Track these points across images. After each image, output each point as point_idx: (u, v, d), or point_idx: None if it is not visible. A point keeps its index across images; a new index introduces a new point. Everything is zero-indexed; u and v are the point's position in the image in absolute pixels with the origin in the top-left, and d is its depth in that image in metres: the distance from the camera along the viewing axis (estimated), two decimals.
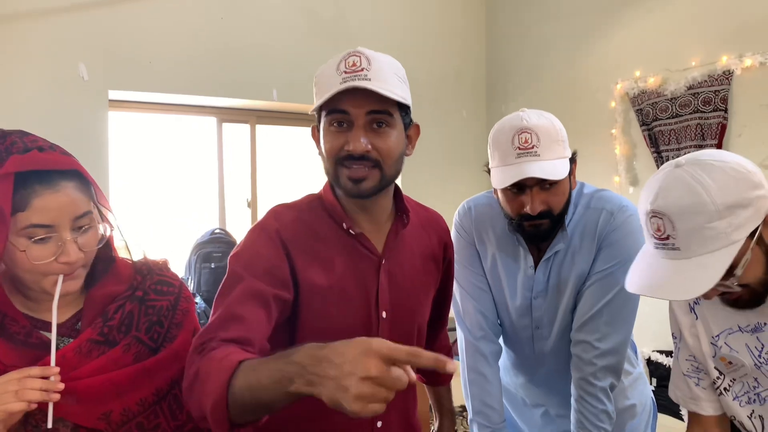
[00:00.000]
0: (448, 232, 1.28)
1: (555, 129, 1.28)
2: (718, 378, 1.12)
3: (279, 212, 1.09)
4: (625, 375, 1.44)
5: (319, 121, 1.05)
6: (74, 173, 0.90)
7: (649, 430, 1.55)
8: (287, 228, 1.06)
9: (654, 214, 0.96)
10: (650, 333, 3.08)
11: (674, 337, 1.21)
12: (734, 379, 1.09)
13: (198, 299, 2.98)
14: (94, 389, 0.89)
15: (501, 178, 1.27)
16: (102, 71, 2.97)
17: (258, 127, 3.72)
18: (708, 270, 0.91)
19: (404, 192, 1.17)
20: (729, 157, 0.96)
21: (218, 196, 3.58)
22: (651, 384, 3.15)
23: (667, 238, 0.95)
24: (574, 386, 1.38)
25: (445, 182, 3.87)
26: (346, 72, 0.97)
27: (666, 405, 3.07)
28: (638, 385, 1.52)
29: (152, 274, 1.03)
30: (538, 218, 1.28)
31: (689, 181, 0.93)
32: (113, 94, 3.05)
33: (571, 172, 1.33)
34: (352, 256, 1.08)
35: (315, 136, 1.08)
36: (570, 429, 1.40)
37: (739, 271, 0.93)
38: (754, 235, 0.92)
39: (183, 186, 3.60)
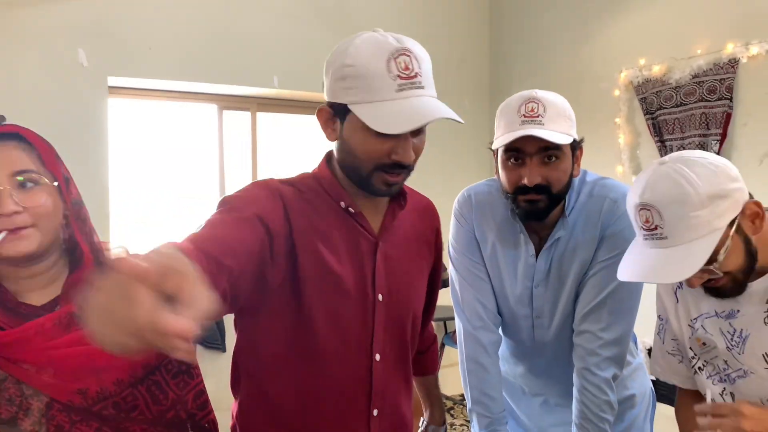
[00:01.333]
0: (438, 217, 1.27)
1: (564, 106, 1.28)
2: (693, 358, 1.22)
3: (276, 180, 1.07)
4: (626, 365, 1.43)
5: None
6: (16, 135, 0.93)
7: (649, 420, 1.55)
8: (287, 193, 1.04)
9: (643, 207, 1.06)
10: (651, 323, 3.07)
11: (660, 319, 1.31)
12: (706, 361, 1.18)
13: None
14: (70, 361, 0.90)
15: (501, 140, 1.27)
16: (101, 57, 2.94)
17: (259, 114, 3.70)
18: (694, 254, 1.01)
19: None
20: (708, 155, 1.07)
21: (219, 183, 3.57)
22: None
23: (656, 228, 1.05)
24: (576, 376, 1.37)
25: (446, 172, 3.84)
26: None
27: (665, 394, 3.07)
28: (638, 375, 1.51)
29: None
30: (534, 192, 1.26)
31: (674, 175, 1.03)
32: (112, 81, 3.03)
33: (576, 160, 1.31)
34: (349, 234, 1.07)
35: (321, 117, 1.05)
36: (569, 418, 1.39)
37: (721, 257, 1.03)
38: (733, 225, 1.03)
39: (183, 173, 3.59)
